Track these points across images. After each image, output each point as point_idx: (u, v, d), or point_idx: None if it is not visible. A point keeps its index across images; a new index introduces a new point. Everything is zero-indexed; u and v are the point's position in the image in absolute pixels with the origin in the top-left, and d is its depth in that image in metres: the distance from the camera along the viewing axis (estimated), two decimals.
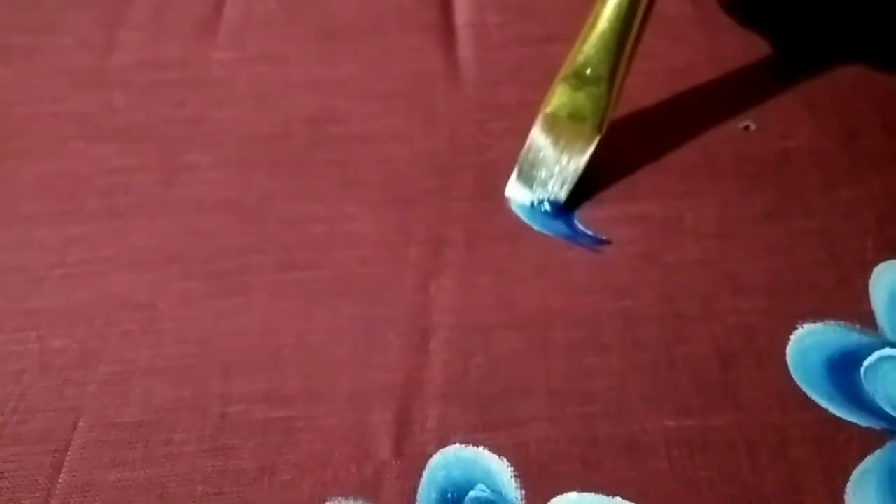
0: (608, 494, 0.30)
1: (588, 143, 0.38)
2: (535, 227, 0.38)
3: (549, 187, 0.38)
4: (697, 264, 0.36)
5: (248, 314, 0.36)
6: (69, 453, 0.32)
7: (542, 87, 0.43)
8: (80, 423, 0.32)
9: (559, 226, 0.38)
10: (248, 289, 0.36)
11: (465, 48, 0.46)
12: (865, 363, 0.33)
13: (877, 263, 0.36)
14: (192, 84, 0.44)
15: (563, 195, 0.38)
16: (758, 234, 0.37)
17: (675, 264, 0.36)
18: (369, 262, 0.37)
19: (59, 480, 0.31)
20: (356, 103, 0.43)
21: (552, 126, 0.38)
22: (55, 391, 0.33)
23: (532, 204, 0.38)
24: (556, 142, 0.38)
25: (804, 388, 0.33)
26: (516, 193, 0.39)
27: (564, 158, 0.38)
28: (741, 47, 0.44)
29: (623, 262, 0.37)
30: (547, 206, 0.38)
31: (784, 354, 0.34)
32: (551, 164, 0.38)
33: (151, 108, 0.43)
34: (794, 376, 0.33)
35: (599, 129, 0.38)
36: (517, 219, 0.38)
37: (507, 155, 0.40)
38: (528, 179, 0.39)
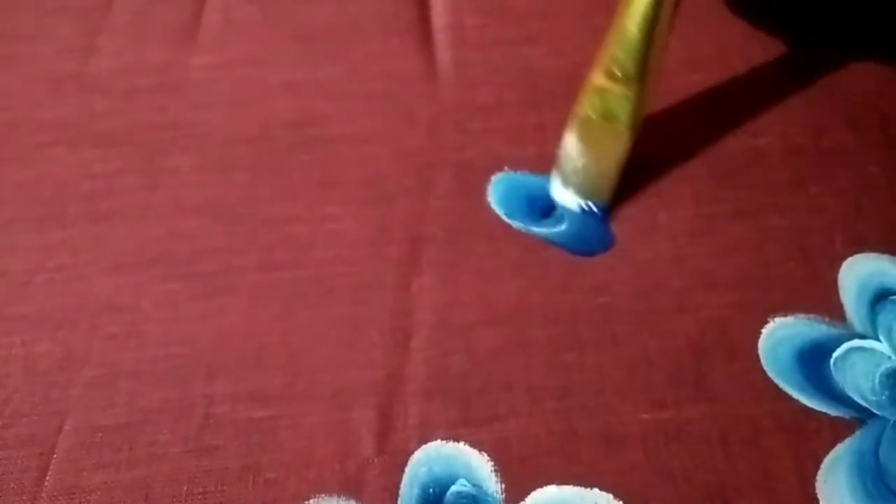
0: (586, 486, 0.31)
1: (622, 144, 0.38)
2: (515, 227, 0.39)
3: (590, 190, 0.38)
4: (671, 261, 0.37)
5: (231, 315, 0.36)
6: (55, 456, 0.32)
7: (520, 88, 0.44)
8: (66, 426, 0.33)
9: (597, 228, 0.38)
10: (231, 289, 0.37)
11: (443, 50, 0.46)
12: (835, 354, 0.34)
13: (845, 258, 0.37)
14: (172, 88, 0.44)
15: (606, 197, 0.39)
16: (729, 231, 0.38)
17: (648, 261, 0.37)
18: (350, 262, 0.37)
19: (46, 483, 0.31)
20: (335, 105, 0.44)
21: (586, 129, 0.38)
22: (40, 395, 0.34)
23: (581, 208, 0.39)
24: (591, 144, 0.38)
25: (776, 379, 0.34)
26: (563, 198, 0.39)
27: (601, 160, 0.38)
28: (712, 49, 0.45)
29: (599, 260, 0.37)
30: (595, 209, 0.38)
31: (756, 347, 0.34)
32: (590, 166, 0.38)
33: (132, 113, 0.43)
34: (765, 368, 0.34)
35: (632, 129, 0.38)
36: (496, 217, 0.39)
37: (485, 154, 0.41)
38: (569, 183, 0.39)
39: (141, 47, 0.46)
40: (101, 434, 0.33)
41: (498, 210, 0.39)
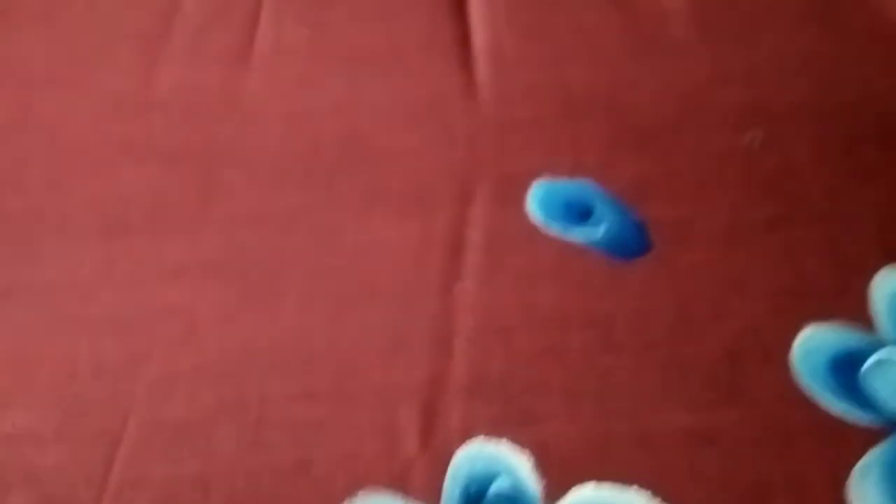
0: (623, 486, 0.32)
1: None
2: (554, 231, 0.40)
3: None
4: (706, 268, 0.38)
5: (282, 319, 0.38)
6: (120, 450, 0.34)
7: (557, 104, 0.46)
8: (130, 423, 0.35)
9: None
10: (282, 296, 0.39)
11: (483, 69, 0.48)
12: (867, 363, 0.35)
13: (878, 269, 0.38)
14: (227, 108, 0.47)
15: None
16: (764, 240, 0.39)
17: (684, 268, 0.38)
18: (395, 268, 0.39)
19: (112, 475, 0.33)
20: (380, 123, 0.46)
21: None
22: (106, 392, 0.36)
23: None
24: None
25: (809, 386, 0.34)
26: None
27: None
28: (744, 65, 0.46)
29: (636, 266, 0.39)
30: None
31: (789, 354, 0.35)
32: None
33: (190, 131, 0.46)
34: (798, 376, 0.35)
35: None
36: (535, 224, 0.40)
37: (523, 166, 0.43)
38: None
39: (198, 69, 0.49)
40: (162, 430, 0.35)
41: (537, 216, 0.41)
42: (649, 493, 0.32)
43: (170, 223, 0.42)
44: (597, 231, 0.40)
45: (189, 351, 0.37)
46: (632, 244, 0.39)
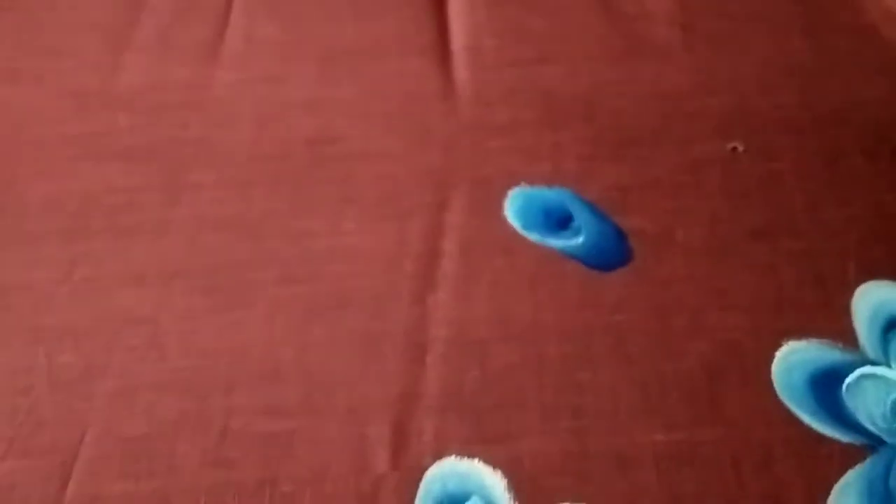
0: None
1: None
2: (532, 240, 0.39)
3: None
4: (686, 280, 0.38)
5: (250, 328, 0.37)
6: (77, 465, 0.33)
7: (536, 108, 0.45)
8: (87, 437, 0.33)
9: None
10: (249, 303, 0.37)
11: (461, 70, 0.47)
12: (847, 380, 0.34)
13: (859, 284, 0.37)
14: (195, 105, 0.45)
15: None
16: (745, 252, 0.38)
17: (664, 279, 0.38)
18: (367, 276, 0.38)
19: (68, 492, 0.32)
20: (354, 123, 0.45)
21: None
22: (63, 405, 0.34)
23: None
24: None
25: (788, 403, 0.34)
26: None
27: None
28: (728, 72, 0.46)
29: (615, 277, 0.38)
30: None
31: (769, 371, 0.35)
32: None
33: (155, 129, 0.44)
34: (778, 392, 0.34)
35: None
36: (512, 232, 0.39)
37: (501, 171, 0.42)
38: None
39: (165, 65, 0.47)
40: (121, 444, 0.33)
41: (514, 223, 0.40)
42: None
43: (132, 226, 0.40)
44: (575, 240, 0.39)
45: (150, 362, 0.36)
46: (611, 254, 0.38)
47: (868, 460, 0.32)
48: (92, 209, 0.41)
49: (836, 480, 0.32)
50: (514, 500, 0.32)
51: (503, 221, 0.40)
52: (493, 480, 0.32)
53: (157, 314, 0.37)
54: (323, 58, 0.47)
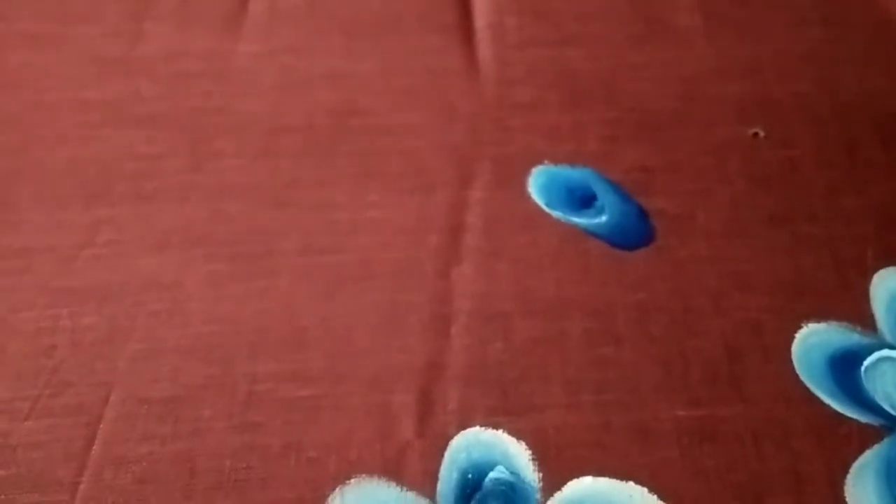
0: (621, 479, 0.32)
1: None
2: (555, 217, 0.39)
3: None
4: (707, 261, 0.38)
5: (273, 296, 0.37)
6: (101, 426, 0.33)
7: (558, 88, 0.45)
8: (112, 398, 0.33)
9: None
10: (273, 272, 0.37)
11: (484, 48, 0.47)
12: (866, 363, 0.35)
13: (877, 270, 0.38)
14: (217, 75, 0.45)
15: None
16: (764, 235, 0.39)
17: (686, 259, 0.38)
18: (390, 249, 0.38)
19: (92, 452, 0.32)
20: (377, 97, 0.44)
21: None
22: (87, 366, 0.34)
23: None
24: None
25: (808, 383, 0.34)
26: None
27: None
28: (748, 58, 0.46)
29: (638, 256, 0.38)
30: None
31: (789, 351, 0.35)
32: None
33: (178, 98, 0.44)
34: (798, 372, 0.34)
35: None
36: (536, 208, 0.39)
37: (524, 149, 0.42)
38: None
39: (187, 33, 0.47)
40: (146, 406, 0.33)
41: (538, 200, 0.40)
42: (646, 488, 0.31)
43: (155, 192, 0.40)
44: (599, 219, 0.39)
45: (174, 326, 0.35)
46: (634, 234, 0.39)
47: (886, 441, 0.33)
48: (114, 175, 0.41)
49: (854, 459, 0.32)
50: (538, 470, 0.32)
51: (527, 198, 0.40)
52: (518, 451, 0.32)
53: (181, 280, 0.37)
54: (346, 30, 0.47)
